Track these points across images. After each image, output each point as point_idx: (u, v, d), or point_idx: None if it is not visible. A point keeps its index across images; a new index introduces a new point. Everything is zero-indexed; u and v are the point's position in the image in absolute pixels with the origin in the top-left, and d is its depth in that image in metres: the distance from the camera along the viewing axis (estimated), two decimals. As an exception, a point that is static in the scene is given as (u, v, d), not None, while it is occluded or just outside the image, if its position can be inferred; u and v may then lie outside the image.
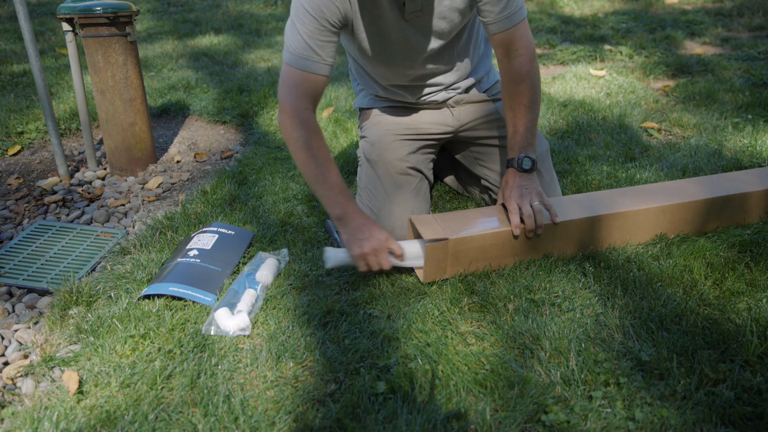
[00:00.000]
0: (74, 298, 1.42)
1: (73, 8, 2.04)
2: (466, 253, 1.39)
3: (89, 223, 1.95)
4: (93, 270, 1.64)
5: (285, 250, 1.55)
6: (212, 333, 1.27)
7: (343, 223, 1.37)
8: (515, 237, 1.41)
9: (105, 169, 2.35)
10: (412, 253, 1.39)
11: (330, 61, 1.38)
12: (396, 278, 1.44)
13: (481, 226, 1.42)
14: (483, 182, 1.75)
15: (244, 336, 1.27)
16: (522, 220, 1.40)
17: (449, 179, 1.94)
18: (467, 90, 1.67)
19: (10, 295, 1.56)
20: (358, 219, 1.37)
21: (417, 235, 1.44)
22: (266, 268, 1.45)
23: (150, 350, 1.22)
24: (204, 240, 1.58)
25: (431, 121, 1.67)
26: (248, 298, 1.36)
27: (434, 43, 1.49)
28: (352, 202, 1.38)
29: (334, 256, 1.41)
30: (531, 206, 1.40)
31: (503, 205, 1.47)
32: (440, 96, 1.64)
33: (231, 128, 2.77)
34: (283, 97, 1.38)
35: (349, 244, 1.36)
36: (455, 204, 1.86)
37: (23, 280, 1.59)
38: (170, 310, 1.34)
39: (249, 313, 1.32)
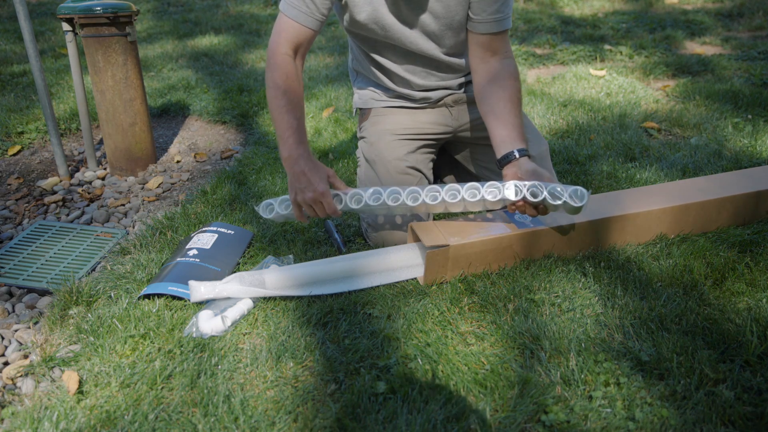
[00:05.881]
0: (74, 298, 1.42)
1: (73, 8, 2.04)
2: (466, 258, 1.39)
3: (89, 223, 1.95)
4: (93, 270, 1.64)
5: (291, 257, 1.54)
6: (194, 335, 1.26)
7: (286, 166, 1.40)
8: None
9: (105, 169, 2.35)
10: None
11: (320, 17, 1.40)
12: (396, 278, 1.44)
13: (482, 231, 1.41)
14: (482, 182, 1.75)
15: (243, 335, 1.27)
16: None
17: (449, 179, 1.94)
18: (460, 87, 1.67)
19: (10, 295, 1.56)
20: (300, 165, 1.37)
21: (417, 241, 1.44)
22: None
23: (150, 350, 1.22)
24: (204, 240, 1.58)
25: (430, 121, 1.67)
26: (241, 305, 1.34)
27: (429, 23, 1.48)
28: (300, 146, 1.38)
29: (269, 208, 1.47)
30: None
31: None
32: (436, 94, 1.63)
33: (231, 128, 2.77)
34: (270, 42, 1.43)
35: (290, 189, 1.41)
36: (455, 204, 1.86)
37: (23, 280, 1.59)
38: (170, 310, 1.34)
39: (233, 321, 1.30)
